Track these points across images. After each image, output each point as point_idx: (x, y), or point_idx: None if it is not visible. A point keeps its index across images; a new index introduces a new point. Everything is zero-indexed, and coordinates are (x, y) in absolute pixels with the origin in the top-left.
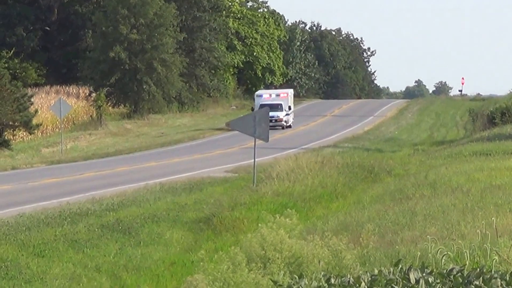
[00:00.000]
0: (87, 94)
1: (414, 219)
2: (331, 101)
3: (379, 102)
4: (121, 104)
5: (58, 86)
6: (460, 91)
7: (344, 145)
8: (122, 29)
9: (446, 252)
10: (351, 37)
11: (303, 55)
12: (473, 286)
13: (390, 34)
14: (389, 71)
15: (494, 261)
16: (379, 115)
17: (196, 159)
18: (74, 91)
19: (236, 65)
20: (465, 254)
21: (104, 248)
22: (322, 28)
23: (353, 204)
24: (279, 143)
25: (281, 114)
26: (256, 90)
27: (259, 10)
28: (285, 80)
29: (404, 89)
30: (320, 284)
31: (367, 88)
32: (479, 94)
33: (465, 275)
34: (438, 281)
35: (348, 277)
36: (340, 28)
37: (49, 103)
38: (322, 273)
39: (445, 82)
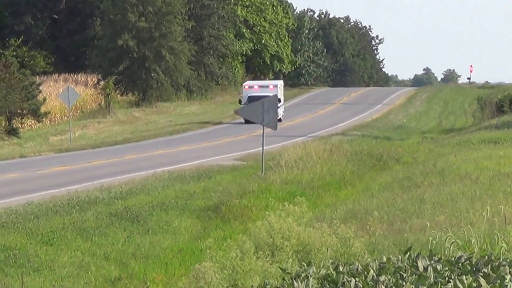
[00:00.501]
0: (96, 82)
1: (422, 207)
2: (340, 89)
3: (387, 90)
4: (130, 92)
5: (67, 74)
6: (469, 78)
7: (353, 133)
8: (130, 17)
9: (454, 240)
10: (360, 25)
11: (312, 43)
12: (481, 274)
13: (398, 22)
14: (398, 59)
15: (502, 248)
16: (387, 103)
17: (205, 147)
18: (83, 79)
19: (244, 53)
20: (474, 241)
21: (113, 236)
22: (331, 16)
23: (361, 192)
24: (287, 131)
25: None
26: (265, 78)
27: None
28: (293, 68)
29: (412, 77)
30: (329, 271)
31: (376, 76)
32: (487, 82)
33: (473, 262)
34: (447, 268)
35: (357, 264)
36: (348, 16)
37: (58, 91)
38: (331, 261)
39: (454, 70)
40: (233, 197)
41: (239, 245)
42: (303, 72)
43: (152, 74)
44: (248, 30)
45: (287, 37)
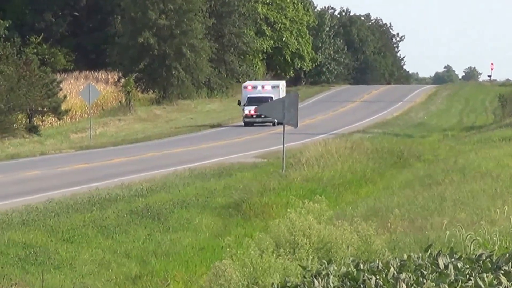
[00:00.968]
0: (116, 80)
1: (443, 205)
2: (360, 86)
3: (408, 88)
4: (150, 89)
5: (87, 72)
6: (490, 76)
7: (374, 130)
8: (151, 15)
9: (475, 238)
10: (380, 23)
11: (332, 40)
12: (502, 272)
13: (419, 19)
14: (418, 57)
15: None
16: (408, 101)
17: (225, 144)
18: (103, 76)
19: (265, 51)
20: (495, 239)
21: (133, 233)
22: (351, 14)
23: (382, 189)
24: (308, 128)
25: None
26: (286, 75)
27: None
28: (314, 65)
29: (433, 75)
30: (349, 269)
31: (396, 74)
32: (508, 79)
33: (494, 260)
34: (467, 266)
35: (377, 262)
36: (369, 13)
37: (78, 89)
38: (351, 258)
39: (474, 68)
40: (253, 195)
41: (258, 243)
42: (324, 69)
43: (173, 72)
44: (269, 28)
45: (307, 34)
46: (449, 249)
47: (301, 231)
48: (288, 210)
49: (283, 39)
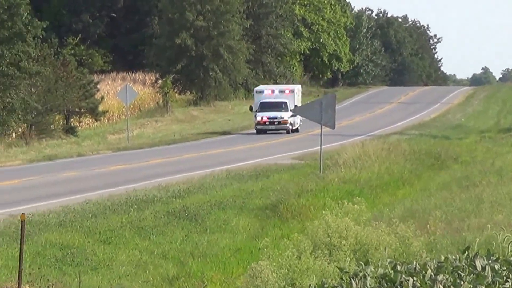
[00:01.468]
0: (153, 81)
1: (480, 206)
2: (398, 88)
3: (445, 89)
4: (187, 91)
5: (124, 73)
6: None
7: (411, 132)
8: (188, 16)
9: None
10: (418, 24)
11: (370, 42)
12: None
13: (457, 21)
14: (456, 58)
15: None
16: (445, 102)
17: (262, 146)
18: (140, 77)
19: (302, 52)
20: None
21: (170, 235)
22: (389, 15)
23: (419, 191)
24: (345, 130)
25: (285, 115)
26: (323, 77)
27: None
28: (351, 67)
29: (470, 76)
30: (386, 271)
31: (434, 75)
32: None
33: None
34: (504, 268)
35: (415, 264)
36: (406, 15)
37: (115, 90)
38: (388, 260)
39: None
40: (291, 196)
41: (296, 244)
42: (361, 71)
43: (210, 73)
44: (306, 29)
45: (345, 36)
46: (486, 251)
47: (338, 233)
48: (323, 212)
49: (321, 40)
